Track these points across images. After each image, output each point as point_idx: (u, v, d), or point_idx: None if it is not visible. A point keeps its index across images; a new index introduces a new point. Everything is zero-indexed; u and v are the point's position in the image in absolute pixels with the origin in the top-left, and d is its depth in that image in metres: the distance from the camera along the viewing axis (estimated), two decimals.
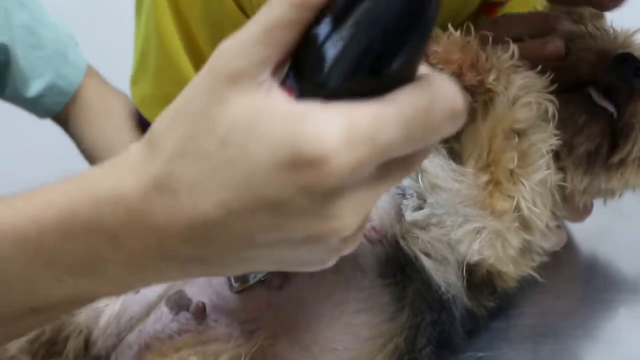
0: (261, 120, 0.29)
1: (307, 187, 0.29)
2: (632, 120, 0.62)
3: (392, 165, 0.32)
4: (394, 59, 0.30)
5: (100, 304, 0.57)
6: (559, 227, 0.69)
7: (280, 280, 0.52)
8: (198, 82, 0.32)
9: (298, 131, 0.29)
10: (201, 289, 0.54)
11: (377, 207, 0.56)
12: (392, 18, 0.29)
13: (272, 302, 0.52)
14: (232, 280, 0.52)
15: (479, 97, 0.53)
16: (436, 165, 0.55)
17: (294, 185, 0.29)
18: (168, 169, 0.31)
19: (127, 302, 0.56)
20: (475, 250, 0.53)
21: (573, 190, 0.65)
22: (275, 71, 0.31)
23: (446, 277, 0.55)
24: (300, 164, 0.29)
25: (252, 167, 0.29)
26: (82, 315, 0.56)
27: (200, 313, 0.53)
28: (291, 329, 0.52)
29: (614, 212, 0.77)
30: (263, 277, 0.51)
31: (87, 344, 0.56)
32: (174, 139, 0.31)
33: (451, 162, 0.56)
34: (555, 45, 0.63)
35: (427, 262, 0.54)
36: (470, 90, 0.53)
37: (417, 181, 0.55)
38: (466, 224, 0.53)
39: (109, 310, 0.57)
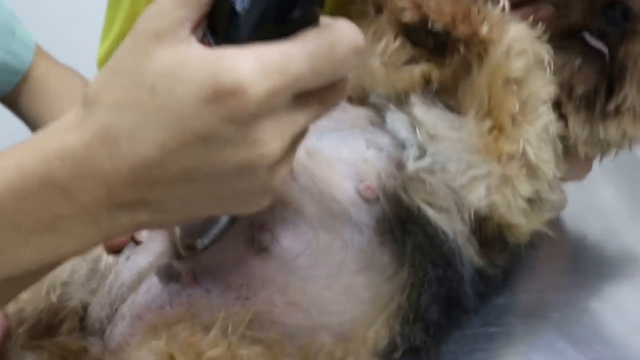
0: (184, 66, 0.33)
1: (230, 115, 0.32)
2: (625, 61, 0.60)
3: (309, 97, 0.35)
4: (295, 7, 0.34)
5: (95, 282, 0.54)
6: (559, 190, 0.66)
7: (267, 239, 0.49)
8: (127, 43, 0.35)
9: (216, 68, 0.32)
10: (192, 259, 0.51)
11: (372, 164, 0.53)
12: None
13: (266, 267, 0.49)
14: (181, 250, 0.50)
15: (473, 49, 0.52)
16: (433, 116, 0.53)
17: (218, 116, 0.32)
18: (108, 121, 0.34)
19: (117, 269, 0.54)
20: (482, 195, 0.51)
21: (575, 141, 0.63)
22: (194, 30, 0.34)
23: (452, 226, 0.52)
24: (222, 95, 0.32)
25: (181, 108, 0.33)
26: (78, 294, 0.54)
27: (191, 283, 0.50)
28: (287, 293, 0.49)
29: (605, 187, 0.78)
30: (209, 243, 0.49)
31: (83, 320, 0.54)
32: (110, 94, 0.34)
33: (449, 113, 0.54)
34: (545, 12, 0.63)
35: (430, 212, 0.51)
36: (464, 42, 0.52)
37: (415, 133, 0.53)
38: (470, 170, 0.51)
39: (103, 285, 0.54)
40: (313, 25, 0.35)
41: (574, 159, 0.66)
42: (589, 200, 0.81)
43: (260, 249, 0.49)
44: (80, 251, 0.38)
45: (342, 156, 0.53)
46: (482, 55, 0.52)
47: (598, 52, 0.61)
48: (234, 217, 0.50)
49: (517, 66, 0.52)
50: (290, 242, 0.50)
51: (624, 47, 0.60)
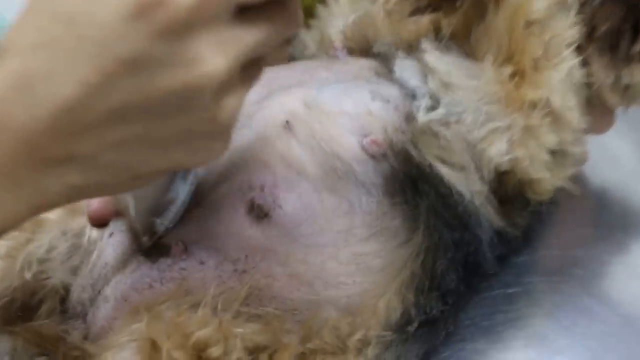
0: None
1: (159, 30, 0.29)
2: None
3: (254, 14, 0.32)
4: None
5: (77, 259, 0.50)
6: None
7: (268, 202, 0.44)
8: None
9: None
10: (182, 228, 0.46)
11: (378, 117, 0.48)
12: None
13: (266, 235, 0.44)
14: (141, 235, 0.45)
15: None
16: (447, 63, 0.48)
17: (146, 34, 0.29)
18: (21, 65, 0.30)
19: (101, 246, 0.49)
20: (504, 150, 0.45)
21: (599, 88, 0.58)
22: None
23: (469, 185, 0.47)
24: (146, 7, 0.28)
25: (102, 33, 0.29)
26: (58, 273, 0.50)
27: (181, 255, 0.46)
28: (289, 264, 0.44)
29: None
30: (170, 224, 0.44)
31: (64, 301, 0.50)
32: (24, 37, 0.30)
33: (464, 60, 0.49)
34: None
35: (444, 170, 0.46)
36: None
37: (426, 82, 0.48)
38: (490, 122, 0.46)
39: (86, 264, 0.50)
40: None
41: (596, 110, 0.60)
42: (604, 150, 0.75)
43: (261, 215, 0.45)
44: (4, 227, 0.32)
45: (344, 109, 0.48)
46: None
47: None
48: (195, 192, 0.45)
49: (539, 7, 0.48)
50: (293, 206, 0.45)
51: None
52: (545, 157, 0.49)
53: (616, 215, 0.70)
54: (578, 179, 0.70)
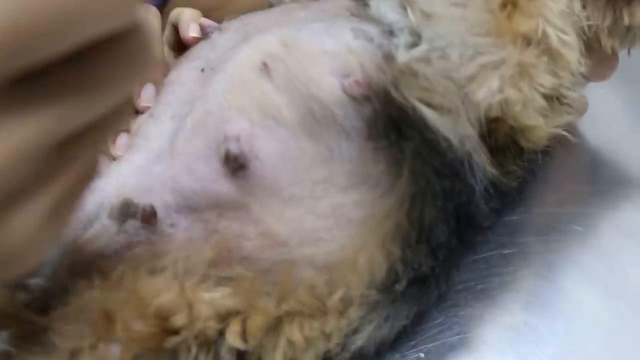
0: None
1: None
2: None
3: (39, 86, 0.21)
4: None
5: None
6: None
7: (244, 152, 0.40)
8: None
9: None
10: (150, 190, 0.42)
11: (361, 56, 0.43)
12: None
13: (241, 189, 0.40)
14: None
15: None
16: None
17: None
18: None
19: None
20: (495, 89, 0.40)
21: (597, 31, 0.54)
22: None
23: (456, 129, 0.42)
24: None
25: None
26: None
27: (150, 218, 0.41)
28: (263, 221, 0.40)
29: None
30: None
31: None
32: None
33: None
34: None
35: (428, 113, 0.41)
36: None
37: (406, 15, 0.42)
38: (478, 57, 0.41)
39: None
40: None
41: (597, 55, 0.56)
42: (600, 107, 0.71)
43: (236, 167, 0.40)
44: None
45: (325, 48, 0.44)
46: None
47: None
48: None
49: None
50: (270, 154, 0.41)
51: None
52: (540, 101, 0.45)
53: (612, 171, 0.66)
54: (575, 135, 0.66)
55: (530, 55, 0.43)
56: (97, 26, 0.21)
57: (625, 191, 0.63)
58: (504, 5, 0.42)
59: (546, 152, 0.52)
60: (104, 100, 0.23)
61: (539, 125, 0.46)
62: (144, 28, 0.23)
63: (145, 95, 0.49)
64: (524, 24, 0.42)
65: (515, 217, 0.60)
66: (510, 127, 0.45)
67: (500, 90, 0.42)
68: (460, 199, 0.43)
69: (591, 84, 0.63)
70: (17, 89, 0.21)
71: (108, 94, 0.23)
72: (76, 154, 0.24)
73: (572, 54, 0.45)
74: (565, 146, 0.54)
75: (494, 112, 0.44)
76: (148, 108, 0.48)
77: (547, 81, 0.44)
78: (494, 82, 0.41)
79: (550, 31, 0.43)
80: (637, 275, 0.55)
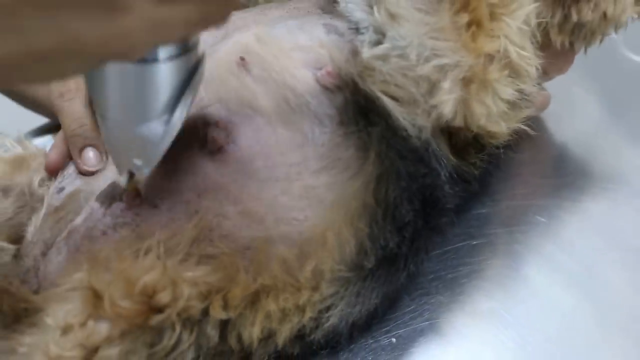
0: None
1: None
2: None
3: None
4: None
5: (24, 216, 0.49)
6: (541, 87, 0.60)
7: (222, 137, 0.42)
8: None
9: None
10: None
11: (332, 50, 0.46)
12: None
13: (220, 172, 0.43)
14: (119, 173, 0.42)
15: None
16: None
17: None
18: None
19: (50, 201, 0.48)
20: (447, 88, 0.43)
21: (548, 26, 0.56)
22: None
23: (414, 120, 0.45)
24: None
25: None
26: (4, 229, 0.48)
27: (134, 199, 0.43)
28: (241, 201, 0.42)
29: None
30: (149, 169, 0.40)
31: (16, 258, 0.47)
32: None
33: None
34: None
35: (390, 104, 0.44)
36: None
37: (372, 14, 0.45)
38: (434, 59, 0.43)
39: (34, 217, 0.48)
40: None
41: (553, 50, 0.58)
42: (567, 101, 0.74)
43: (215, 150, 0.43)
44: None
45: (299, 43, 0.46)
46: None
47: None
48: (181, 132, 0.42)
49: None
50: (247, 140, 0.43)
51: None
52: (503, 108, 0.47)
53: (578, 164, 0.69)
54: (541, 130, 0.70)
55: (493, 71, 0.45)
56: None
57: (588, 184, 0.65)
58: (469, 25, 0.45)
59: (508, 146, 0.55)
60: None
61: (501, 129, 0.49)
62: None
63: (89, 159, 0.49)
64: (487, 45, 0.45)
65: (484, 210, 0.62)
66: (472, 131, 0.48)
67: (452, 90, 0.44)
68: (425, 181, 0.46)
69: (557, 81, 0.66)
70: None
71: None
72: None
73: (531, 66, 0.48)
74: (532, 141, 0.57)
75: (457, 123, 0.46)
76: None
77: (508, 93, 0.47)
78: (445, 83, 0.44)
79: (511, 48, 0.46)
80: (595, 263, 0.57)
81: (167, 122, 0.37)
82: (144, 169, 0.40)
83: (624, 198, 0.64)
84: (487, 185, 0.62)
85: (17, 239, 0.49)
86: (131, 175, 0.41)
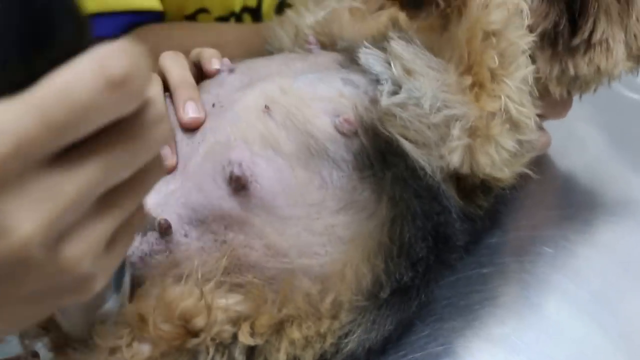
0: None
1: None
2: None
3: (75, 156, 0.27)
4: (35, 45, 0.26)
5: None
6: (541, 128, 0.64)
7: (246, 176, 0.46)
8: None
9: None
10: (164, 205, 0.47)
11: (350, 99, 0.50)
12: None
13: (244, 207, 0.46)
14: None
15: (453, 3, 0.49)
16: (411, 52, 0.50)
17: None
18: None
19: None
20: (455, 135, 0.48)
21: (546, 80, 0.60)
22: None
23: (430, 161, 0.49)
24: None
25: None
26: None
27: (166, 230, 0.47)
28: (265, 235, 0.46)
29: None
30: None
31: None
32: None
33: (427, 52, 0.51)
34: None
35: (408, 146, 0.48)
36: None
37: (389, 68, 0.49)
38: (445, 110, 0.48)
39: None
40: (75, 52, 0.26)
41: (552, 98, 0.63)
42: (571, 135, 0.78)
43: (239, 188, 0.46)
44: None
45: (318, 93, 0.50)
46: (461, 9, 0.50)
47: None
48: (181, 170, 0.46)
49: (496, 18, 0.50)
50: (269, 180, 0.46)
51: None
52: (506, 157, 0.51)
53: (582, 196, 0.72)
54: (546, 164, 0.73)
55: (495, 126, 0.49)
56: (110, 115, 0.26)
57: (591, 215, 0.69)
58: (472, 86, 0.49)
59: (517, 186, 0.58)
60: (131, 162, 0.28)
61: (505, 174, 0.53)
62: (154, 102, 0.28)
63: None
64: (489, 105, 0.49)
65: (494, 240, 0.65)
66: (478, 178, 0.52)
67: (460, 138, 0.48)
68: (439, 219, 0.49)
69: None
70: (61, 159, 0.26)
71: (134, 156, 0.29)
72: (119, 202, 0.29)
73: (529, 119, 0.52)
74: (538, 176, 0.60)
75: (465, 171, 0.50)
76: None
77: (509, 144, 0.51)
78: (455, 130, 0.48)
79: (511, 105, 0.50)
80: (601, 291, 0.60)
81: (117, 295, 0.42)
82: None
83: (628, 228, 0.67)
84: (497, 217, 0.64)
85: None
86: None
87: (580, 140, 0.79)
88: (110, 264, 0.31)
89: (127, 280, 0.43)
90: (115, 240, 0.30)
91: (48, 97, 0.25)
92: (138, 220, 0.33)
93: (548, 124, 0.69)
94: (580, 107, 0.69)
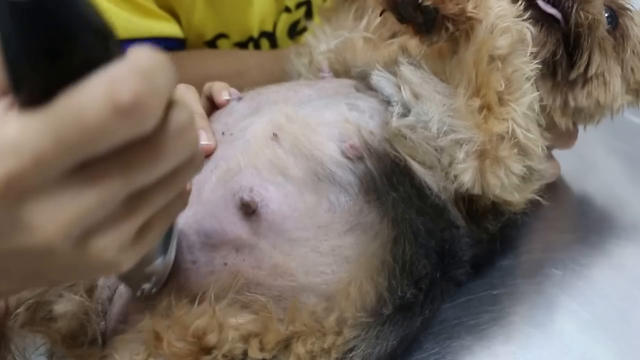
0: None
1: None
2: (579, 29, 0.60)
3: (94, 168, 0.28)
4: (57, 50, 0.26)
5: None
6: (550, 157, 0.66)
7: (256, 201, 0.48)
8: None
9: None
10: (178, 234, 0.49)
11: (355, 124, 0.52)
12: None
13: (254, 230, 0.48)
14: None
15: (461, 26, 0.51)
16: (419, 77, 0.52)
17: None
18: None
19: None
20: (460, 158, 0.50)
21: (551, 111, 0.63)
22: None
23: (437, 180, 0.51)
24: None
25: None
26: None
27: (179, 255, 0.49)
28: (274, 256, 0.48)
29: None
30: (157, 288, 0.46)
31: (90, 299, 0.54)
32: None
33: (435, 78, 0.53)
34: None
35: (416, 166, 0.50)
36: (452, 20, 0.51)
37: (400, 91, 0.52)
38: (451, 134, 0.50)
39: None
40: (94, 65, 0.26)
41: (558, 129, 0.65)
42: (583, 159, 0.80)
43: (249, 212, 0.48)
44: None
45: (324, 119, 0.52)
46: (469, 33, 0.51)
47: (553, 19, 0.60)
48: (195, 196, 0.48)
49: (501, 44, 0.51)
50: (278, 204, 0.48)
51: (576, 16, 0.59)
52: (515, 181, 0.53)
53: (593, 219, 0.74)
54: (559, 187, 0.75)
55: (504, 149, 0.51)
56: (124, 136, 0.27)
57: (600, 238, 0.70)
58: (481, 109, 0.51)
59: (531, 210, 0.60)
60: (155, 170, 0.30)
61: (515, 198, 0.55)
62: (179, 111, 0.29)
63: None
64: (497, 126, 0.51)
65: (506, 262, 0.67)
66: (491, 200, 0.54)
67: (465, 161, 0.50)
68: (443, 235, 0.51)
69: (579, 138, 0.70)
70: (84, 169, 0.28)
71: (158, 165, 0.30)
72: (149, 199, 0.31)
73: (537, 145, 0.54)
74: (551, 200, 0.62)
75: (476, 191, 0.52)
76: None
77: (518, 168, 0.53)
78: (460, 153, 0.50)
79: (518, 130, 0.52)
80: (605, 313, 0.62)
81: (164, 260, 0.45)
82: (152, 290, 0.47)
83: (636, 250, 0.69)
84: (509, 240, 0.66)
85: (90, 287, 0.56)
86: (142, 292, 0.47)
87: (593, 164, 0.81)
88: (140, 249, 0.33)
89: (174, 244, 0.45)
90: (149, 226, 0.33)
91: (62, 118, 0.26)
92: (176, 208, 0.35)
93: (561, 152, 0.71)
94: (593, 131, 0.71)
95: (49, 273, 0.31)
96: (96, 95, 0.26)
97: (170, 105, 0.29)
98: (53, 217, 0.28)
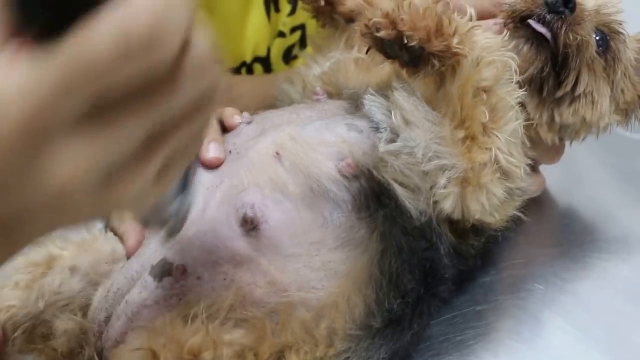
0: None
1: None
2: (566, 50, 0.62)
3: (115, 110, 0.28)
4: None
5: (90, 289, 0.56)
6: (535, 171, 0.68)
7: (258, 217, 0.50)
8: None
9: None
10: (181, 251, 0.51)
11: (352, 144, 0.54)
12: None
13: (253, 246, 0.50)
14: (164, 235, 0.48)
15: (447, 62, 0.53)
16: (411, 104, 0.54)
17: None
18: None
19: (114, 275, 0.55)
20: (442, 184, 0.51)
21: (537, 126, 0.64)
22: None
23: (417, 205, 0.52)
24: None
25: None
26: (75, 300, 0.55)
27: (182, 274, 0.50)
28: (269, 273, 0.49)
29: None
30: (177, 212, 0.45)
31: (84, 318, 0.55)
32: None
33: (426, 105, 0.54)
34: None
35: (399, 190, 0.52)
36: (438, 56, 0.52)
37: (390, 117, 0.53)
38: (436, 160, 0.51)
39: (100, 290, 0.55)
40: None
41: (544, 144, 0.67)
42: (568, 172, 0.82)
43: (250, 228, 0.50)
44: None
45: (324, 139, 0.54)
46: (454, 67, 0.53)
47: (543, 37, 0.62)
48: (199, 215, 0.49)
49: (487, 76, 0.53)
50: (277, 220, 0.50)
51: (564, 36, 0.61)
52: (497, 202, 0.55)
53: (576, 233, 0.76)
54: (544, 201, 0.77)
55: (486, 175, 0.53)
56: (137, 78, 0.26)
57: (582, 252, 0.72)
58: (465, 139, 0.53)
59: (506, 228, 0.61)
60: (171, 110, 0.29)
61: (495, 219, 0.56)
62: (195, 50, 0.28)
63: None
64: (480, 156, 0.52)
65: (488, 279, 0.68)
66: (469, 222, 0.55)
67: (446, 187, 0.52)
68: (425, 254, 0.52)
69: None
70: (100, 113, 0.27)
71: (174, 105, 0.29)
72: (167, 139, 0.31)
73: (519, 169, 0.55)
74: (536, 212, 0.64)
75: (456, 216, 0.54)
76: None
77: (500, 192, 0.54)
78: (442, 179, 0.51)
79: (500, 156, 0.53)
80: (588, 326, 0.63)
81: (183, 199, 0.44)
82: (174, 232, 0.47)
83: (617, 264, 0.71)
84: (491, 256, 0.68)
85: (85, 306, 0.57)
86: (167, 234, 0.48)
87: (578, 177, 0.83)
88: (160, 188, 0.33)
89: (193, 184, 0.46)
90: (168, 165, 0.32)
91: (68, 64, 0.25)
92: (195, 145, 0.34)
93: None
94: (579, 145, 0.72)
95: (72, 212, 0.30)
96: (107, 29, 0.25)
97: (186, 43, 0.28)
98: (72, 160, 0.27)
